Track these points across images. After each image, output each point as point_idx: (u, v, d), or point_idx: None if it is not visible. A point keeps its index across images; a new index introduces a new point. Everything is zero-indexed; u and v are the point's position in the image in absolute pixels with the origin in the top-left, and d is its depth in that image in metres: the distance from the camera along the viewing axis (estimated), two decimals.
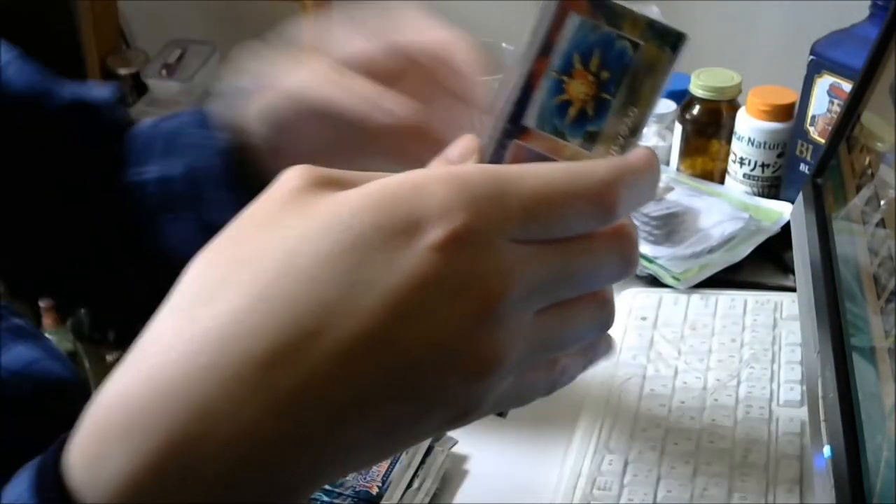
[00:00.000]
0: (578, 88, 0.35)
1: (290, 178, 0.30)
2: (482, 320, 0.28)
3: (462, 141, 0.34)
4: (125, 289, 0.70)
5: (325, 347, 0.27)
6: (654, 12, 0.34)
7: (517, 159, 0.35)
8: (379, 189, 0.29)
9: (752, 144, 0.86)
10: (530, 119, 0.35)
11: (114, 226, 0.69)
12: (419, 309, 0.28)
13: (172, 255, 0.68)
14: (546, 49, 0.35)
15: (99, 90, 0.73)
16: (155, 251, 0.67)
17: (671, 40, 0.34)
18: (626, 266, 0.32)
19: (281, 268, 0.28)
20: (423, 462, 0.62)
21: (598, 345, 0.35)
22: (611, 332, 0.35)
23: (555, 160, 0.34)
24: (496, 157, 0.35)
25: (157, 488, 0.27)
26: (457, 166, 0.32)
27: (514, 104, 0.35)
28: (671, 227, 0.83)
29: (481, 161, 0.33)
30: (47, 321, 1.40)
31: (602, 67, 0.34)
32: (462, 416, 0.30)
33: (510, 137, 0.35)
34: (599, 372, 0.69)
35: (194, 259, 0.30)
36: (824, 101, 0.81)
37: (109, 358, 1.56)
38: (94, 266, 0.69)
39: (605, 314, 0.33)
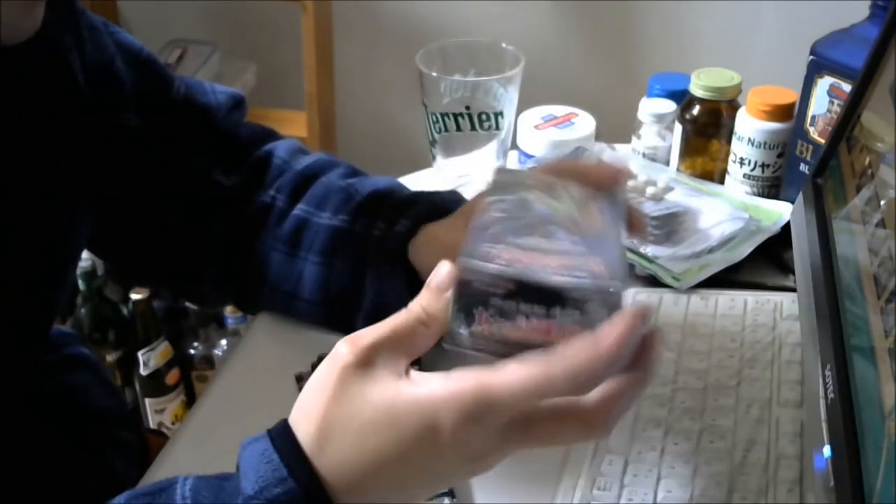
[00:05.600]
0: None
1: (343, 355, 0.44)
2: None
3: (442, 270, 0.46)
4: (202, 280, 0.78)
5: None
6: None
7: None
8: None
9: (752, 144, 0.86)
10: None
11: (219, 227, 0.75)
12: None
13: (262, 278, 0.75)
14: None
15: (215, 95, 0.78)
16: (247, 267, 0.75)
17: None
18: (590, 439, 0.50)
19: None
20: None
21: None
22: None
23: None
24: None
25: None
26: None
27: None
28: (671, 227, 0.83)
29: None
30: None
31: None
32: None
33: None
34: None
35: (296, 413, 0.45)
36: (824, 101, 0.81)
37: (109, 358, 1.56)
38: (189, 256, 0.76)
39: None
